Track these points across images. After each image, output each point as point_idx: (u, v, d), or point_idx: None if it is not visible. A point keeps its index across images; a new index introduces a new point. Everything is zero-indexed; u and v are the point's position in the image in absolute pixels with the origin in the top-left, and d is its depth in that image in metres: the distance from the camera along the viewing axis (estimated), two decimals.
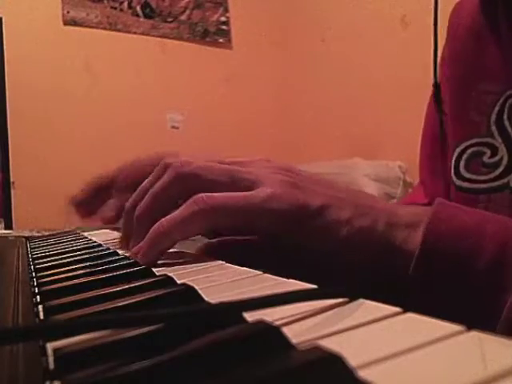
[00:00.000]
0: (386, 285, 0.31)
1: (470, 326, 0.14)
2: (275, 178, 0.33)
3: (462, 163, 0.49)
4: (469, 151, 0.49)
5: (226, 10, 2.84)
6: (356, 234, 0.31)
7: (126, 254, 0.36)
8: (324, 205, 0.32)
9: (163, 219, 0.32)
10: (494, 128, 0.47)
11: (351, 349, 0.13)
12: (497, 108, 0.47)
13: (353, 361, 0.12)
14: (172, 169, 0.34)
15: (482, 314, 0.29)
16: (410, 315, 0.16)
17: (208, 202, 0.31)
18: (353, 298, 0.19)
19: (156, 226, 0.32)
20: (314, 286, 0.20)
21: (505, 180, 0.45)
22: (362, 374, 0.12)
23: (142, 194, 0.36)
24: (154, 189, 0.35)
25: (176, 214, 0.32)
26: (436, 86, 0.53)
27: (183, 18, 2.72)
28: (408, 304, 0.17)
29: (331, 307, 0.18)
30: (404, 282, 0.30)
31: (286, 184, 0.32)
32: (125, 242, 0.39)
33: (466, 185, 0.48)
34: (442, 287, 0.30)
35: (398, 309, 0.17)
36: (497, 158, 0.46)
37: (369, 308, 0.18)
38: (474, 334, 0.14)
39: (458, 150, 0.49)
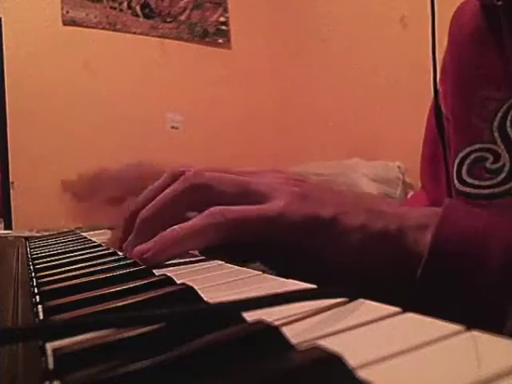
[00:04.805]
0: (397, 289, 0.30)
1: (473, 326, 0.14)
2: (286, 190, 0.33)
3: (464, 168, 0.49)
4: (471, 157, 0.48)
5: (226, 11, 2.84)
6: (369, 239, 0.31)
7: (126, 254, 0.36)
8: (335, 213, 0.32)
9: (177, 226, 0.32)
10: (497, 135, 0.47)
11: (351, 349, 0.13)
12: (500, 114, 0.46)
13: (353, 361, 0.12)
14: (185, 178, 0.34)
15: (490, 317, 0.28)
16: (410, 315, 0.16)
17: (225, 216, 0.31)
18: (353, 297, 0.19)
19: (169, 231, 0.32)
20: (314, 286, 0.20)
21: (507, 186, 0.45)
22: (362, 374, 0.12)
23: (149, 199, 0.35)
24: (166, 194, 0.34)
25: (191, 223, 0.32)
26: (435, 92, 0.52)
27: (182, 18, 2.72)
28: (415, 305, 0.17)
29: (331, 307, 0.18)
30: (414, 284, 0.30)
31: (296, 195, 0.33)
32: (120, 242, 0.39)
33: (467, 190, 0.48)
34: (451, 289, 0.30)
35: (397, 309, 0.17)
36: (499, 165, 0.46)
37: (369, 308, 0.18)
38: (473, 334, 0.14)
39: (461, 155, 0.49)
